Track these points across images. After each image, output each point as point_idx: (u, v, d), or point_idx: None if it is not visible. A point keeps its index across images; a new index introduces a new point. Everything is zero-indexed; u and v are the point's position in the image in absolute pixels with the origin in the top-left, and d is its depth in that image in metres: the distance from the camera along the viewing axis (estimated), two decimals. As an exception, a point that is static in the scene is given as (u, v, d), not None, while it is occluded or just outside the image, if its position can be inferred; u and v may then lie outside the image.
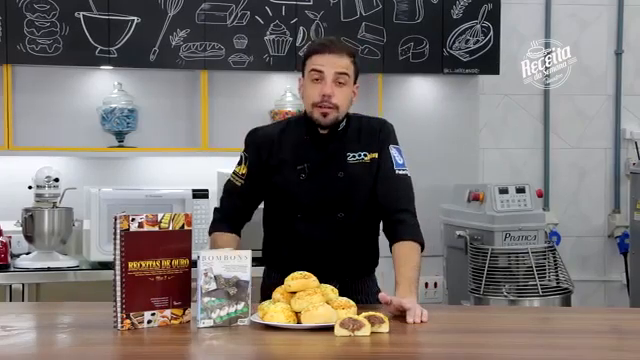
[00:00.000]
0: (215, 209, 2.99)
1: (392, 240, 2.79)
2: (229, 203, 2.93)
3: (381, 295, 2.58)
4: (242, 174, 2.88)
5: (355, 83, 2.81)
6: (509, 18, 4.95)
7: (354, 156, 2.83)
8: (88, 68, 4.50)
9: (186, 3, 4.40)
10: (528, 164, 5.19)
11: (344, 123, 2.84)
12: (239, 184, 2.89)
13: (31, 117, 4.47)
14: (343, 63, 2.75)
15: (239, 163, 2.91)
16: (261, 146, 2.87)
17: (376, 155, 2.83)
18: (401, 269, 2.69)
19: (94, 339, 2.34)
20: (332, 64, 2.73)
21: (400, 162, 2.84)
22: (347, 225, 2.83)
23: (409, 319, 2.48)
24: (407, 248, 2.74)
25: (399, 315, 2.52)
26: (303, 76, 2.82)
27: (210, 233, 2.93)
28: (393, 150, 2.85)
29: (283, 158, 2.84)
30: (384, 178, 2.82)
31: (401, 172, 2.84)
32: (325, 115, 2.75)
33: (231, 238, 2.84)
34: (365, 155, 2.83)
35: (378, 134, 2.86)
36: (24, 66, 4.39)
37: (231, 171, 2.94)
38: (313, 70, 2.74)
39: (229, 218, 2.91)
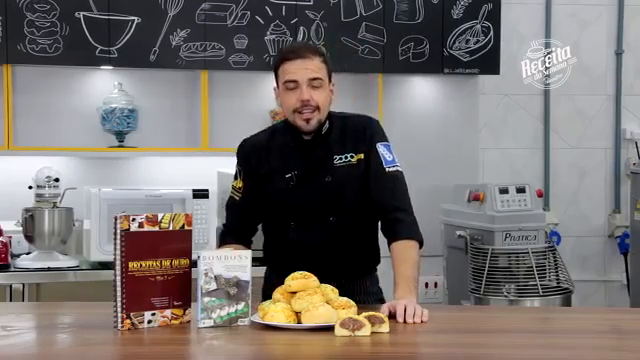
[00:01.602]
0: (223, 224, 3.00)
1: (389, 240, 2.78)
2: (232, 217, 2.94)
3: (383, 309, 2.54)
4: (239, 188, 2.89)
5: (330, 81, 2.79)
6: (509, 18, 4.95)
7: (340, 158, 2.81)
8: (88, 68, 4.50)
9: (186, 3, 4.40)
10: (528, 164, 5.19)
11: (327, 125, 2.82)
12: (237, 198, 2.90)
13: (31, 117, 4.47)
14: (314, 66, 2.72)
15: (235, 177, 2.92)
16: (250, 156, 2.88)
17: (362, 156, 2.81)
18: (399, 268, 2.69)
19: (94, 339, 2.34)
20: (304, 70, 2.72)
21: (390, 159, 2.81)
22: (340, 228, 2.82)
23: (399, 319, 2.48)
24: (404, 247, 2.73)
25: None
26: (278, 86, 2.81)
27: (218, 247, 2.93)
28: (381, 148, 2.82)
29: (272, 167, 2.84)
30: (375, 178, 2.80)
31: (392, 169, 2.81)
32: (308, 121, 2.74)
33: (239, 247, 2.81)
34: (352, 156, 2.81)
35: (363, 133, 2.83)
36: (24, 66, 4.39)
37: (230, 180, 2.95)
38: (287, 81, 2.74)
39: (234, 230, 2.92)
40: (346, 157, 2.81)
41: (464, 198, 4.63)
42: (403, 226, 2.77)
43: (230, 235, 2.90)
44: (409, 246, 2.74)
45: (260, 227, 2.97)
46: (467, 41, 4.77)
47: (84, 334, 2.40)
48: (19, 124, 4.42)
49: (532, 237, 4.46)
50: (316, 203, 2.80)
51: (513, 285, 4.35)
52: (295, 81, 2.72)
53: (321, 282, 2.56)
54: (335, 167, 2.80)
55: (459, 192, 4.71)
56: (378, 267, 2.97)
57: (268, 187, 2.84)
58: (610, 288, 5.27)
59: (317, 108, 2.73)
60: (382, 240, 2.90)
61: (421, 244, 2.77)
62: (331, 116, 2.84)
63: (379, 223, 2.90)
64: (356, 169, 2.81)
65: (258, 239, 2.97)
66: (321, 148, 2.81)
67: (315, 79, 2.72)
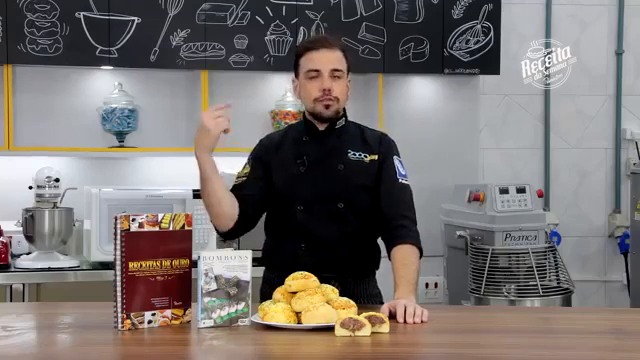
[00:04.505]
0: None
1: (392, 243, 2.79)
2: (235, 194, 2.88)
3: (383, 309, 2.55)
4: (245, 173, 2.88)
5: (347, 76, 2.86)
6: (509, 18, 4.95)
7: (354, 154, 2.86)
8: (88, 68, 4.50)
9: (186, 3, 4.40)
10: (528, 164, 5.19)
11: (343, 121, 2.89)
12: (241, 181, 2.86)
13: (31, 117, 4.47)
14: (336, 58, 2.81)
15: (243, 168, 2.91)
16: (263, 150, 2.90)
17: (376, 157, 2.87)
18: (400, 271, 2.69)
19: (94, 339, 2.34)
20: (327, 60, 2.79)
21: (403, 173, 2.90)
22: (348, 217, 2.83)
23: (399, 319, 2.48)
24: (408, 251, 2.75)
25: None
26: (297, 76, 2.86)
27: None
28: (396, 161, 2.90)
29: (283, 157, 2.87)
30: (388, 186, 2.85)
31: (404, 181, 2.88)
32: (328, 107, 2.80)
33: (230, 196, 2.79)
34: (365, 156, 2.87)
35: (380, 142, 2.91)
36: (24, 66, 4.39)
37: (230, 180, 2.93)
38: (310, 70, 2.79)
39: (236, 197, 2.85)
40: (360, 154, 2.87)
41: (464, 198, 4.63)
42: (407, 232, 2.81)
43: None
44: (412, 252, 2.76)
45: (261, 224, 2.96)
46: (467, 41, 4.77)
47: (84, 334, 2.41)
48: (19, 124, 4.42)
49: (532, 237, 4.46)
50: (326, 189, 2.83)
51: (513, 285, 4.35)
52: (317, 70, 2.79)
53: (325, 281, 2.56)
54: (349, 159, 2.85)
55: (459, 192, 4.71)
56: (377, 271, 2.97)
57: (277, 175, 2.85)
58: (610, 288, 5.27)
59: (336, 100, 2.80)
60: (382, 244, 2.91)
61: (421, 254, 2.79)
62: (347, 118, 2.91)
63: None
64: (368, 167, 2.86)
65: (257, 239, 2.96)
66: (334, 138, 2.86)
67: (336, 70, 2.80)
